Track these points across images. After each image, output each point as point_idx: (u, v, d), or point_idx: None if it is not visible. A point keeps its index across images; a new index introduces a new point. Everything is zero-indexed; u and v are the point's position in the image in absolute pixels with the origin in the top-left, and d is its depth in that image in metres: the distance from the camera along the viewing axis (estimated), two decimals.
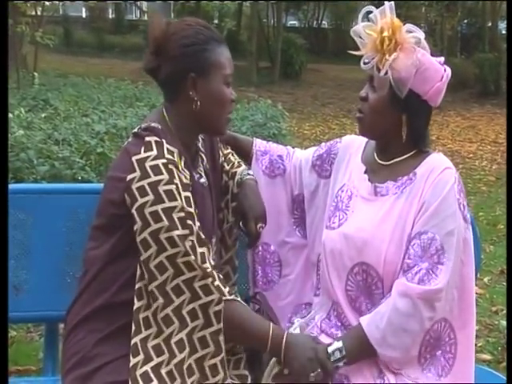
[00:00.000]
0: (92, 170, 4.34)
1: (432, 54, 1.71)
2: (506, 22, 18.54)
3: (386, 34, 1.65)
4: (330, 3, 25.75)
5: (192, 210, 1.60)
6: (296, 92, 16.41)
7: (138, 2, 27.52)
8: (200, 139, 1.84)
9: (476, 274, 2.19)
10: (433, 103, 1.72)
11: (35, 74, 8.80)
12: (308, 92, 16.86)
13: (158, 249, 1.56)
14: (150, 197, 1.55)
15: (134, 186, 1.56)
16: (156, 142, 1.61)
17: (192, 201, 1.61)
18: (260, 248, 1.95)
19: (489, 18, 19.03)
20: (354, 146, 1.90)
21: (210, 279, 1.58)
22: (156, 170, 1.57)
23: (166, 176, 1.57)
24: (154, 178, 1.56)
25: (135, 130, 1.68)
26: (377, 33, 1.67)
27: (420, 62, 1.65)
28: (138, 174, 1.57)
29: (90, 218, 1.82)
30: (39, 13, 9.17)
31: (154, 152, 1.59)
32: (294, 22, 28.37)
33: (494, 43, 18.01)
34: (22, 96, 7.54)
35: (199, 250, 1.59)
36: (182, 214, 1.57)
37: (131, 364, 1.55)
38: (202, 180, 1.76)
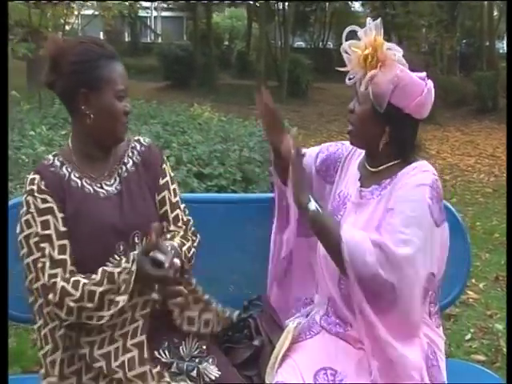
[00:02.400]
0: None
1: (415, 70, 1.72)
2: (504, 41, 18.57)
3: (367, 51, 1.69)
4: (334, 25, 25.86)
5: (50, 231, 1.68)
6: (302, 110, 16.47)
7: (153, 27, 27.72)
8: (137, 150, 1.87)
9: (466, 278, 2.24)
10: (417, 116, 1.75)
11: None
12: (314, 110, 16.92)
13: (25, 274, 1.71)
14: (18, 228, 1.71)
15: (18, 223, 1.73)
16: (30, 179, 1.73)
17: (53, 222, 1.68)
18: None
19: (486, 38, 19.04)
20: (353, 153, 1.94)
21: (49, 308, 1.66)
22: (22, 204, 1.72)
23: (24, 208, 1.70)
24: (20, 212, 1.72)
25: None
26: (361, 50, 1.71)
27: (399, 78, 1.67)
28: (23, 210, 1.72)
29: None
30: (60, 37, 9.30)
31: (25, 188, 1.72)
32: (301, 43, 28.51)
33: (491, 62, 18.01)
34: (43, 115, 7.61)
35: (48, 271, 1.65)
36: (37, 239, 1.68)
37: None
38: (108, 189, 1.78)
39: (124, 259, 1.68)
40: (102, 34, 28.02)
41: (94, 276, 1.66)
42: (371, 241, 1.65)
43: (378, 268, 1.61)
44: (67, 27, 9.77)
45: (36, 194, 1.69)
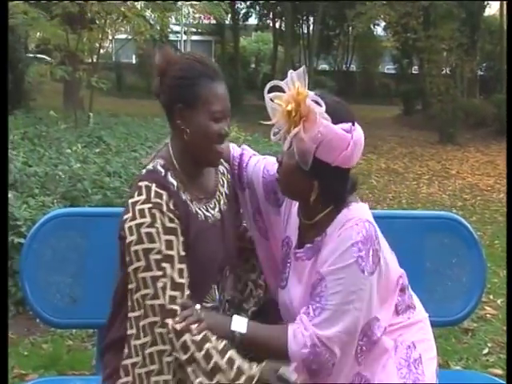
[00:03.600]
0: None
1: (340, 121, 1.60)
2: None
3: (289, 107, 1.59)
4: (357, 48, 25.93)
5: (173, 252, 1.59)
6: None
7: (183, 50, 28.06)
8: (222, 169, 1.84)
9: (482, 292, 2.24)
10: (346, 166, 1.64)
11: (90, 114, 9.07)
12: None
13: (136, 286, 1.60)
14: (134, 237, 1.59)
15: (126, 226, 1.61)
16: (146, 186, 1.63)
17: (176, 244, 1.61)
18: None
19: (506, 62, 18.94)
20: None
21: (165, 330, 1.56)
22: (142, 213, 1.60)
23: (148, 219, 1.59)
24: (138, 220, 1.60)
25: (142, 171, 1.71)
26: (284, 103, 1.61)
27: (322, 134, 1.57)
28: (130, 215, 1.61)
29: None
30: (95, 60, 9.49)
31: (143, 196, 1.62)
32: (325, 66, 28.64)
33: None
34: (78, 134, 7.76)
35: (169, 292, 1.57)
36: (159, 257, 1.58)
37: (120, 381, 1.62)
38: (213, 213, 1.74)
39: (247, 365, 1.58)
40: (134, 57, 28.52)
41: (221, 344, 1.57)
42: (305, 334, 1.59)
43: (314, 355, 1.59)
44: (102, 51, 9.97)
45: (164, 211, 1.61)
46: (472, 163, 12.33)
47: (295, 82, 1.61)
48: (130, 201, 1.63)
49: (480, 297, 2.20)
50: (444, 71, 16.28)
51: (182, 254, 1.61)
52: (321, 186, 1.63)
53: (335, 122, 1.59)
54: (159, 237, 1.59)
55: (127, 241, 1.60)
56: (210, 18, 16.33)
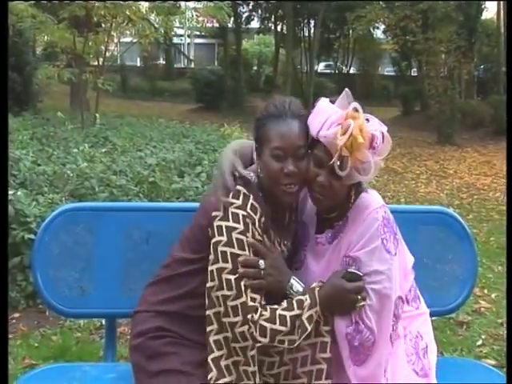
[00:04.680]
0: (145, 197, 4.55)
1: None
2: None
3: (361, 140, 1.59)
4: (357, 51, 25.95)
5: None
6: None
7: (186, 53, 28.12)
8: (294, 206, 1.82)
9: (473, 286, 2.28)
10: None
11: (97, 115, 9.12)
12: None
13: (219, 285, 1.64)
14: (224, 238, 1.64)
15: (215, 224, 1.66)
16: (244, 194, 1.67)
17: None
18: None
19: (503, 63, 18.96)
20: None
21: (247, 327, 1.61)
22: (235, 217, 1.64)
23: (241, 226, 1.64)
24: (231, 224, 1.64)
25: (238, 170, 1.71)
26: (348, 136, 1.60)
27: (379, 145, 1.65)
28: (221, 214, 1.66)
29: (143, 238, 2.03)
30: (100, 63, 9.54)
31: (239, 202, 1.66)
32: (325, 68, 28.63)
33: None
34: (85, 134, 7.81)
35: (251, 294, 1.63)
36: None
37: (208, 378, 1.65)
38: (283, 249, 1.77)
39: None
40: (139, 59, 28.60)
41: (283, 304, 1.66)
42: None
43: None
44: (107, 54, 10.02)
45: (256, 225, 1.66)
46: (469, 163, 12.37)
47: (352, 110, 1.63)
48: (225, 200, 1.67)
49: (472, 287, 2.25)
50: (442, 73, 16.30)
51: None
52: (354, 184, 1.71)
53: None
54: (248, 246, 1.65)
55: (215, 239, 1.65)
56: (213, 22, 16.37)
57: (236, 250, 1.63)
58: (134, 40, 10.73)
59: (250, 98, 22.49)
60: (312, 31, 23.79)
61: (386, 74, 30.28)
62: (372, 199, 1.73)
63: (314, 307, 1.65)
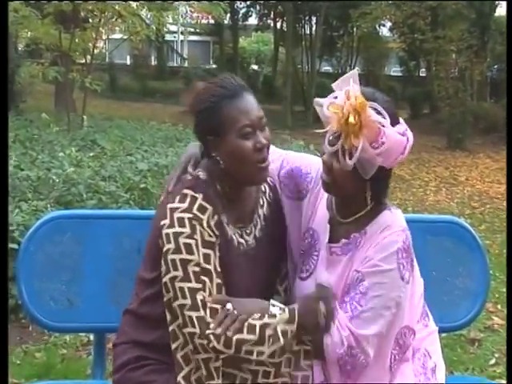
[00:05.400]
0: (135, 204, 4.57)
1: (396, 122, 1.67)
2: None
3: (351, 119, 1.60)
4: (362, 50, 26.04)
5: (210, 267, 1.63)
6: None
7: (179, 51, 28.20)
8: (264, 187, 1.83)
9: (484, 301, 2.30)
10: (394, 167, 1.73)
11: (84, 117, 9.15)
12: None
13: (174, 296, 1.63)
14: (172, 245, 1.63)
15: (163, 232, 1.65)
16: (192, 196, 1.66)
17: (213, 259, 1.64)
18: None
19: (506, 62, 19.03)
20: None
21: (206, 341, 1.59)
22: (181, 222, 1.63)
23: (187, 230, 1.62)
24: (177, 229, 1.63)
25: (185, 173, 1.73)
26: (341, 113, 1.62)
27: (385, 144, 1.62)
28: (167, 221, 1.65)
29: (134, 247, 2.03)
30: (88, 61, 9.58)
31: (185, 205, 1.65)
32: (328, 68, 28.72)
33: None
34: (72, 137, 7.84)
35: (208, 305, 1.61)
36: (197, 269, 1.62)
37: None
38: (247, 239, 1.76)
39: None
40: (129, 57, 28.64)
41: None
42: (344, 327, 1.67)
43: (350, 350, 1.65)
44: (95, 51, 10.06)
45: (204, 225, 1.64)
46: (481, 170, 12.41)
47: (354, 89, 1.64)
48: (170, 206, 1.66)
49: (484, 302, 2.26)
50: (453, 74, 16.37)
51: (219, 269, 1.66)
52: (372, 186, 1.70)
53: (392, 125, 1.64)
54: (198, 249, 1.63)
55: (165, 248, 1.65)
56: (208, 18, 16.45)
57: (185, 256, 1.62)
58: (124, 37, 10.79)
59: None
60: (314, 29, 23.85)
61: (392, 74, 30.36)
62: (395, 220, 1.73)
63: (292, 323, 1.63)
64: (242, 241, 1.75)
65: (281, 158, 1.91)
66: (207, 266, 1.63)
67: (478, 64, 16.88)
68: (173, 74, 26.47)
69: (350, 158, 1.63)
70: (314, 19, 24.24)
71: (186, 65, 28.55)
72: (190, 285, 1.61)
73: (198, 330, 1.60)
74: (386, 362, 1.70)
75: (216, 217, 1.67)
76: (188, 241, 1.62)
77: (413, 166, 12.52)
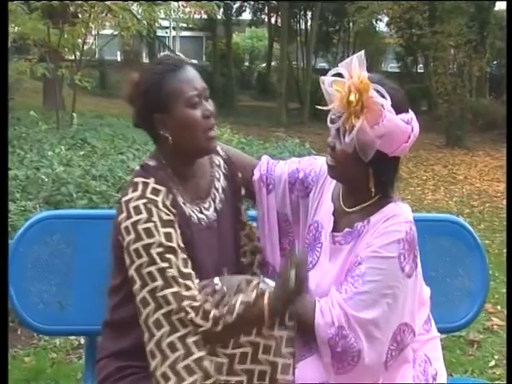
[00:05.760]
0: None
1: (400, 111, 1.68)
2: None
3: (352, 97, 1.63)
4: (358, 45, 26.06)
5: (173, 244, 1.65)
6: (325, 132, 15.99)
7: (171, 47, 28.15)
8: (218, 160, 1.88)
9: (484, 301, 2.31)
10: (401, 155, 1.74)
11: (74, 114, 9.13)
12: None
13: (142, 284, 1.63)
14: (132, 236, 1.64)
15: (122, 226, 1.66)
16: (143, 182, 1.69)
17: (175, 236, 1.66)
18: None
19: (506, 61, 19.08)
20: (327, 178, 1.89)
21: (183, 314, 1.60)
22: (137, 210, 1.65)
23: (144, 215, 1.64)
24: (134, 218, 1.64)
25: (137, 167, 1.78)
26: (344, 91, 1.65)
27: (385, 127, 1.63)
28: (124, 215, 1.66)
29: None
30: (77, 57, 9.55)
31: (138, 193, 1.67)
32: (324, 64, 28.75)
33: None
34: (61, 135, 7.82)
35: (181, 281, 1.62)
36: (161, 249, 1.63)
37: None
38: (208, 214, 1.79)
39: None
40: (119, 53, 28.61)
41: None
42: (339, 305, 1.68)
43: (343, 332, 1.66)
44: (85, 47, 10.03)
45: (160, 206, 1.67)
46: (481, 168, 12.46)
47: (357, 69, 1.66)
48: (124, 199, 1.68)
49: (483, 303, 2.28)
50: (451, 70, 16.42)
51: (182, 245, 1.67)
52: (375, 174, 1.72)
53: (396, 112, 1.66)
54: (157, 230, 1.64)
55: (125, 241, 1.65)
56: (200, 13, 16.44)
57: (146, 241, 1.63)
58: (115, 32, 10.75)
59: (241, 97, 22.58)
60: (309, 24, 23.89)
61: (389, 70, 30.40)
62: (400, 212, 1.75)
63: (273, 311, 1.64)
64: (202, 216, 1.77)
65: (294, 164, 1.98)
66: (170, 244, 1.64)
67: (477, 59, 16.92)
68: None
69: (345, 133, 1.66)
70: (309, 14, 24.29)
71: None
72: (156, 266, 1.62)
73: (174, 306, 1.60)
74: (382, 356, 1.70)
75: (171, 196, 1.70)
76: (147, 225, 1.64)
77: (410, 164, 12.55)
